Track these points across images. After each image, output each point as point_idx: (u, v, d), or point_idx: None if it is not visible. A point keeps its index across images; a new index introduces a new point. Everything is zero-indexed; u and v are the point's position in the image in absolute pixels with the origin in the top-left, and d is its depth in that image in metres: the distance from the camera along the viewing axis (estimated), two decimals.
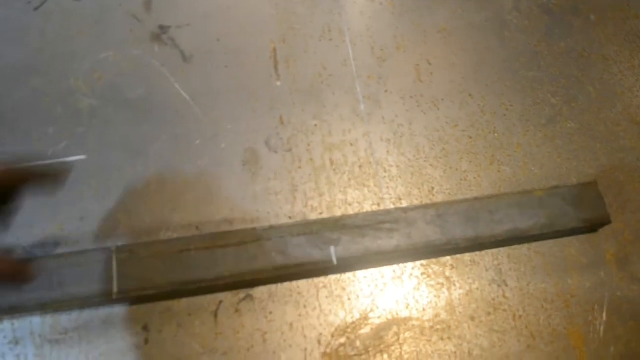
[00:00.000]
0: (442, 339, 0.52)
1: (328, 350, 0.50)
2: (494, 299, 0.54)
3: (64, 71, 0.59)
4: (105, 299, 0.48)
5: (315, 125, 0.59)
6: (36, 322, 0.50)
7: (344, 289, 0.53)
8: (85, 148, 0.56)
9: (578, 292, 0.55)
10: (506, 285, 0.54)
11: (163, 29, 0.62)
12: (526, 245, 0.56)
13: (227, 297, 0.52)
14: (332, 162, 0.57)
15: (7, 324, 0.49)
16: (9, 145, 0.55)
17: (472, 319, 0.53)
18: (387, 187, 0.57)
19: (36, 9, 0.62)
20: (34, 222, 0.52)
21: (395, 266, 0.54)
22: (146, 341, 0.50)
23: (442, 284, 0.54)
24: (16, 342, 0.49)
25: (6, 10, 0.62)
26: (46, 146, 0.55)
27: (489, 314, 0.53)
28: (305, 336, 0.51)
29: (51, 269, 0.48)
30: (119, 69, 0.60)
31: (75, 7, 0.62)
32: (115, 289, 0.48)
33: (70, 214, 0.53)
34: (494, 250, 0.55)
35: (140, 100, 0.58)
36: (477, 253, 0.55)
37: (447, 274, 0.54)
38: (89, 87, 0.59)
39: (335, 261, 0.50)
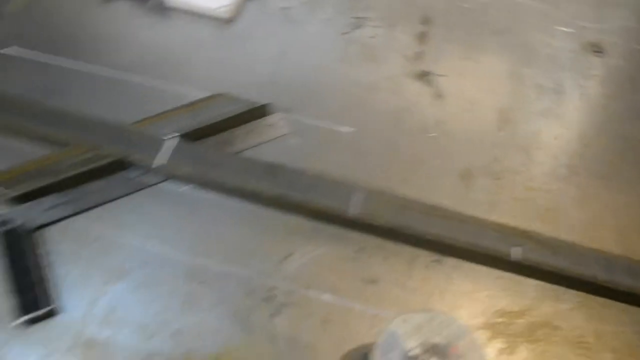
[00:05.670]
0: (582, 355, 0.62)
1: (489, 322, 0.63)
2: (637, 346, 0.63)
3: (346, 78, 0.84)
4: (343, 217, 0.67)
5: (522, 170, 0.75)
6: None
7: (513, 286, 0.66)
8: (356, 124, 0.78)
9: None
10: None
11: (426, 73, 0.85)
12: None
13: (423, 254, 0.67)
14: (528, 199, 0.73)
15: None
16: (306, 109, 0.79)
17: (614, 351, 0.62)
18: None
19: (343, 34, 0.89)
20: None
21: (560, 287, 0.66)
22: (358, 251, 0.66)
23: (593, 316, 0.64)
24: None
25: (323, 29, 0.89)
26: (330, 115, 0.78)
27: (630, 355, 0.62)
28: (472, 306, 0.64)
29: (305, 181, 0.68)
30: (393, 89, 0.83)
31: (369, 42, 0.88)
32: (351, 210, 0.66)
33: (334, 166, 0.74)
34: None
35: (396, 111, 0.80)
36: (630, 306, 0.65)
37: (600, 310, 0.65)
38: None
39: (515, 258, 0.64)
